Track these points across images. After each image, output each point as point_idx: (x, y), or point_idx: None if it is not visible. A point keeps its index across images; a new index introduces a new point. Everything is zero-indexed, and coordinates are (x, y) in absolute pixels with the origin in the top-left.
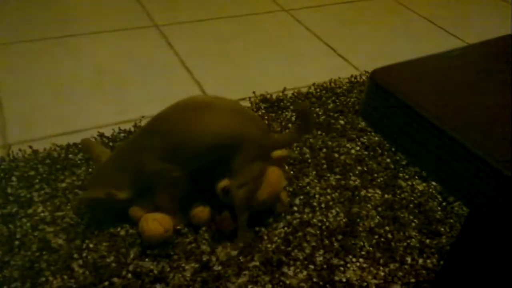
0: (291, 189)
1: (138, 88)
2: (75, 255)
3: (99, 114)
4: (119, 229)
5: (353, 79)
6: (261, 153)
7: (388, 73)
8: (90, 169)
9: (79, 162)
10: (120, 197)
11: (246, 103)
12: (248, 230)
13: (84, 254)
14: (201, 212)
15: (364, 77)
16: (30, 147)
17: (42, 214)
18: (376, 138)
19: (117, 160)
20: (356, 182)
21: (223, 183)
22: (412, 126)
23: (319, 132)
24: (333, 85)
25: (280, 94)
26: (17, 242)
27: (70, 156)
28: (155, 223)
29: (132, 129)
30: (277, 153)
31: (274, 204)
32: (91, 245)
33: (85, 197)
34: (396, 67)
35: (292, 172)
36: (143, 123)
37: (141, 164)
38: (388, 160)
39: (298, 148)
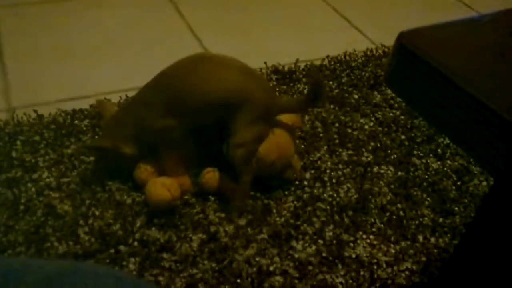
0: (301, 163)
1: (146, 56)
2: (81, 222)
3: (106, 80)
4: (125, 197)
5: (368, 53)
6: (265, 114)
7: (416, 36)
8: (96, 136)
9: (85, 128)
10: (125, 151)
11: None
12: (249, 193)
13: (90, 221)
14: (212, 178)
15: (380, 51)
16: (35, 111)
17: (47, 180)
18: (391, 114)
19: (122, 114)
20: (369, 158)
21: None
22: (440, 91)
23: (331, 106)
24: (347, 58)
25: (293, 65)
26: (22, 207)
27: (76, 122)
28: (164, 189)
29: None
30: (288, 118)
31: (284, 170)
32: (97, 213)
33: (91, 145)
34: (425, 30)
35: (303, 146)
36: None
37: (143, 120)
38: (403, 136)
39: (309, 122)
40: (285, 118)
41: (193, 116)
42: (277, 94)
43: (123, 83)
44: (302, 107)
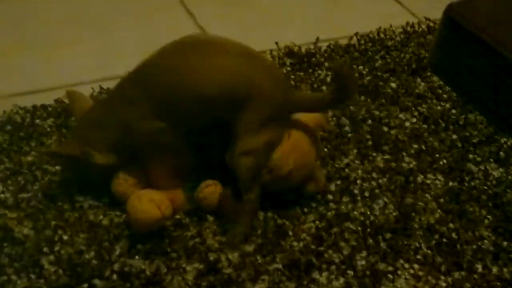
0: (324, 172)
1: (125, 36)
2: (45, 249)
3: (75, 67)
4: (101, 217)
5: (409, 29)
6: (277, 114)
7: (469, 7)
8: (63, 139)
9: (48, 129)
10: (97, 160)
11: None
12: (255, 214)
13: (57, 248)
14: (212, 193)
15: (423, 26)
16: None
17: (2, 196)
18: (439, 108)
19: (98, 114)
20: (411, 165)
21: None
22: (500, 77)
23: (362, 98)
24: (382, 35)
25: (312, 46)
26: None
27: (38, 121)
28: (152, 205)
29: None
30: (309, 116)
31: (304, 183)
32: (65, 237)
33: (54, 152)
34: (479, 1)
35: (326, 150)
36: None
37: (125, 121)
38: (455, 136)
39: (334, 119)
40: (305, 116)
41: (185, 116)
42: (293, 86)
43: (96, 72)
44: (326, 105)
